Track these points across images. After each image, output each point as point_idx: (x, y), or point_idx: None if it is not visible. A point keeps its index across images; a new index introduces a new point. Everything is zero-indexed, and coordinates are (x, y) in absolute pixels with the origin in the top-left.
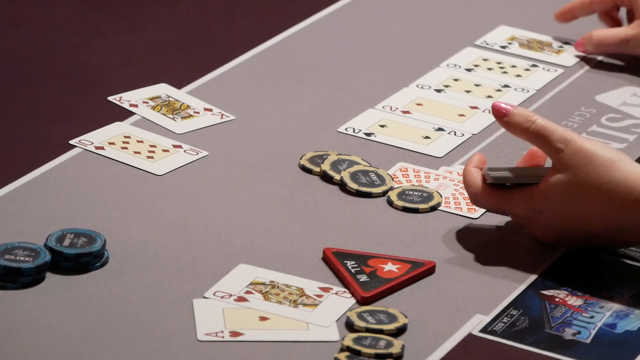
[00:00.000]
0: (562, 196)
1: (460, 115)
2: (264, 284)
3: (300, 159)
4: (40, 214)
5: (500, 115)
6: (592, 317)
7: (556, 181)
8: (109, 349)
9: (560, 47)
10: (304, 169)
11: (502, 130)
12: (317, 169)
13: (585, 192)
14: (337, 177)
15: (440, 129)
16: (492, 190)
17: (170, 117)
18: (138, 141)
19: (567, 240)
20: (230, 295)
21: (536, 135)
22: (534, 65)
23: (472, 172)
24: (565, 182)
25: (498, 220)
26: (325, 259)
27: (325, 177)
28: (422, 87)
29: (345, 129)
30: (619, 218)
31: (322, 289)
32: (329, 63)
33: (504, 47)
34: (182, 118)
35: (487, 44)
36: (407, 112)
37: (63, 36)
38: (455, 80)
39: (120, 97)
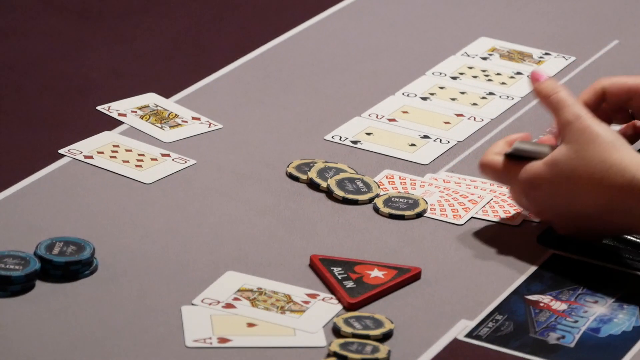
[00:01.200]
0: (560, 171)
1: (446, 122)
2: (251, 290)
3: (287, 166)
4: (29, 222)
5: (536, 80)
6: (576, 321)
7: (559, 154)
8: (98, 356)
9: (541, 57)
10: (291, 176)
11: (488, 137)
12: (304, 177)
13: (580, 169)
14: (323, 184)
15: (425, 137)
16: (501, 160)
17: (158, 126)
18: (126, 150)
19: (560, 221)
20: (218, 302)
21: (555, 104)
22: (518, 73)
23: (498, 144)
24: (566, 156)
25: (483, 226)
26: (312, 266)
27: (312, 185)
28: (408, 95)
29: (332, 137)
30: (608, 198)
31: (309, 295)
32: (315, 72)
33: (484, 58)
34: (170, 127)
35: (468, 55)
36: (393, 119)
37: (52, 46)
38: (441, 88)
39: (109, 107)
